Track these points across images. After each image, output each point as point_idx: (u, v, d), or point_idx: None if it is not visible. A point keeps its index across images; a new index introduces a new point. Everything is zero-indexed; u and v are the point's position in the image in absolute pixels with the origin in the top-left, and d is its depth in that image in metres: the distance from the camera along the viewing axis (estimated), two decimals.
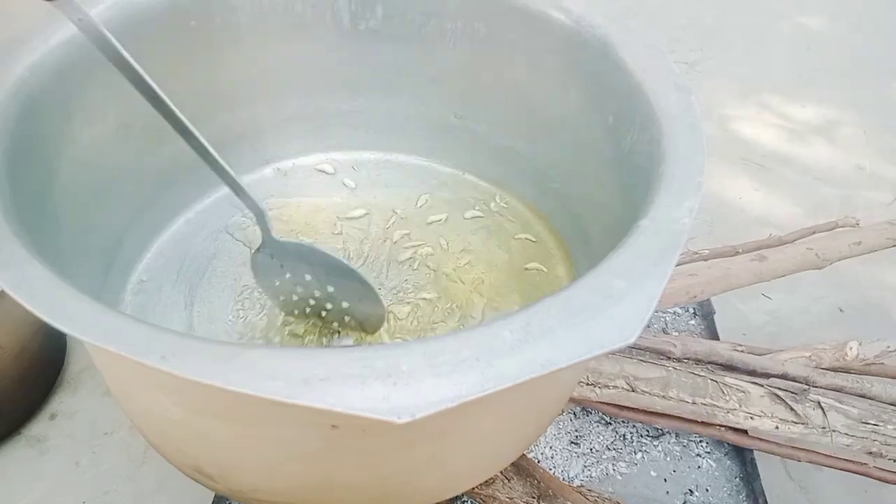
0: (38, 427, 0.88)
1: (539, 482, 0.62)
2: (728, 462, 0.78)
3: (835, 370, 0.79)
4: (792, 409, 0.71)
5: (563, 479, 0.75)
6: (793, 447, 0.74)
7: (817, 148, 1.41)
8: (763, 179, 1.32)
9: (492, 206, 0.74)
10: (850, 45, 1.73)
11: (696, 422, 0.74)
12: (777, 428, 0.71)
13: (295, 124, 0.75)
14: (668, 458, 0.78)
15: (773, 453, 0.75)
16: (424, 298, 0.64)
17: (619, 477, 0.76)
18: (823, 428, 0.71)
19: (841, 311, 1.08)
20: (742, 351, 0.80)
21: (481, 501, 0.64)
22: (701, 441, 0.79)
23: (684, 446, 0.79)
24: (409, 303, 0.63)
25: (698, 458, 0.78)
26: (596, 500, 0.62)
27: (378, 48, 0.70)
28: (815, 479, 0.86)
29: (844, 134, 1.46)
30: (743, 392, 0.72)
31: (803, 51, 1.71)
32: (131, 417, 0.49)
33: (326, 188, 0.75)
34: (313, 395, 0.29)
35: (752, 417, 0.72)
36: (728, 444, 0.79)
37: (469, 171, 0.77)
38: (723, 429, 0.74)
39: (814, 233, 0.93)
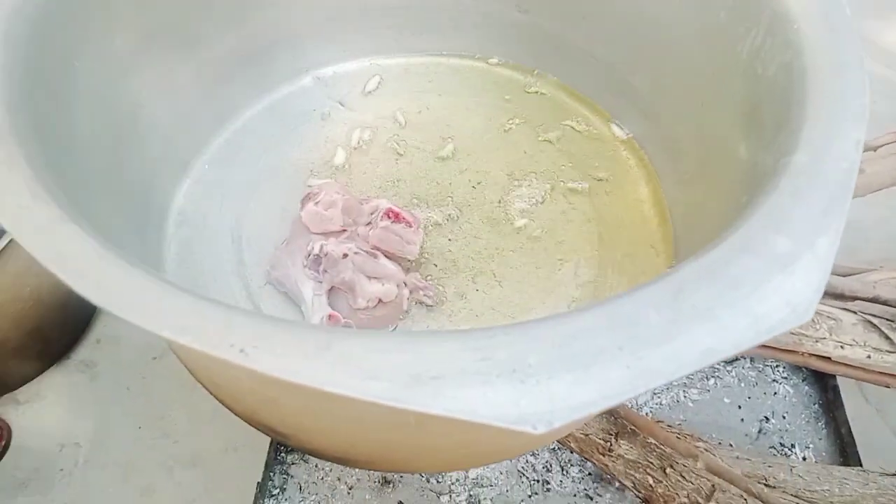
0: (86, 351, 0.87)
1: (616, 419, 0.59)
2: (806, 388, 0.74)
3: None
4: (888, 337, 0.66)
5: (632, 407, 0.71)
6: (881, 373, 0.69)
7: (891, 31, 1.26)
8: None
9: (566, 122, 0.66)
10: None
11: (778, 349, 0.69)
12: (869, 357, 0.66)
13: (334, 25, 0.65)
14: (743, 384, 0.74)
15: (860, 380, 0.70)
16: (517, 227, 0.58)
17: (690, 404, 0.72)
18: None
19: None
20: None
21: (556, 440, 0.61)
22: (778, 366, 0.75)
23: (760, 371, 0.75)
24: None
25: (774, 383, 0.74)
26: (679, 438, 0.59)
27: None
28: (894, 401, 0.82)
29: None
30: (834, 319, 0.66)
31: None
32: (195, 376, 0.45)
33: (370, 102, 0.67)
34: (426, 397, 0.23)
35: (842, 346, 0.66)
36: (806, 369, 0.74)
37: (536, 78, 0.68)
38: (807, 355, 0.69)
39: None
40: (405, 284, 0.51)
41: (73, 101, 0.42)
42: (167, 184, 0.57)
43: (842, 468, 0.61)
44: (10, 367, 0.78)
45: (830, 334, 0.66)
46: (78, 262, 0.26)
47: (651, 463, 0.56)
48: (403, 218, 0.52)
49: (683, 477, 0.55)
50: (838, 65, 0.36)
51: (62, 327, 0.83)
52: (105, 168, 0.46)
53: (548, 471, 0.66)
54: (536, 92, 0.67)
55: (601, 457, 0.58)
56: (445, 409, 0.23)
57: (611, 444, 0.57)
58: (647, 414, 0.71)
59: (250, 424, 0.45)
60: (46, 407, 0.82)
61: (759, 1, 0.43)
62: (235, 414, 0.45)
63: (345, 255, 0.49)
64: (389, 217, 0.52)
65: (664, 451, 0.57)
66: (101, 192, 0.45)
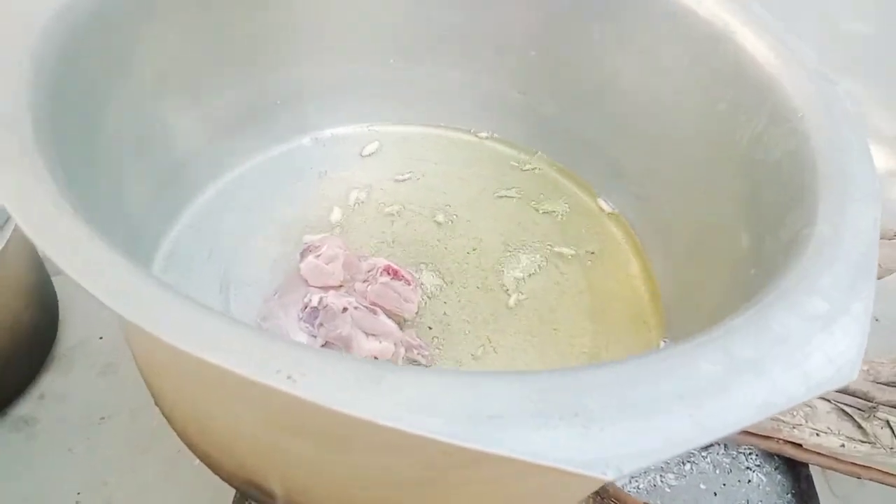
0: (27, 407, 0.79)
1: (603, 498, 0.57)
2: (779, 477, 0.74)
3: (893, 385, 0.75)
4: (860, 426, 0.67)
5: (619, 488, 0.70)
6: (852, 463, 0.70)
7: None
8: None
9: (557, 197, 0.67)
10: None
11: (754, 434, 0.69)
12: (843, 446, 0.67)
13: (336, 91, 0.67)
14: (718, 471, 0.73)
15: (832, 469, 0.71)
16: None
17: (667, 489, 0.71)
18: (891, 448, 0.67)
19: (876, 320, 1.05)
20: None
21: None
22: (751, 454, 0.75)
23: (733, 458, 0.75)
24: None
25: (748, 471, 0.74)
26: None
27: (438, 13, 0.63)
28: (860, 494, 0.83)
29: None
30: (809, 407, 0.68)
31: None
32: (168, 413, 0.42)
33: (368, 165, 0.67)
34: (488, 437, 0.22)
35: (817, 434, 0.67)
36: (779, 457, 0.75)
37: (528, 155, 0.70)
38: (781, 442, 0.70)
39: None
40: (401, 342, 0.50)
41: (91, 130, 0.41)
42: (157, 226, 0.55)
43: None
44: None
45: (806, 421, 0.67)
46: (110, 279, 0.24)
47: None
48: (402, 276, 0.52)
49: None
50: (847, 150, 0.38)
51: (6, 379, 0.76)
52: (105, 200, 0.45)
53: None
54: (530, 167, 0.69)
55: None
56: (510, 450, 0.22)
57: None
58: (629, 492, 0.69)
59: (229, 480, 0.42)
60: None
61: (760, 93, 0.46)
62: (213, 466, 0.42)
63: (345, 309, 0.47)
64: (388, 273, 0.51)
65: None
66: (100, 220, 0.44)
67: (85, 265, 0.25)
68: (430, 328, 0.54)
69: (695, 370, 0.25)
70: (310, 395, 0.22)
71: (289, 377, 0.23)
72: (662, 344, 0.55)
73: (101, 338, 0.86)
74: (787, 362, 0.26)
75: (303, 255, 0.52)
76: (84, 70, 0.40)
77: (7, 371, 0.75)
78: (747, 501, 0.72)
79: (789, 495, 0.72)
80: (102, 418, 0.78)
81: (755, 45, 0.47)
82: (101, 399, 0.79)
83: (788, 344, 0.27)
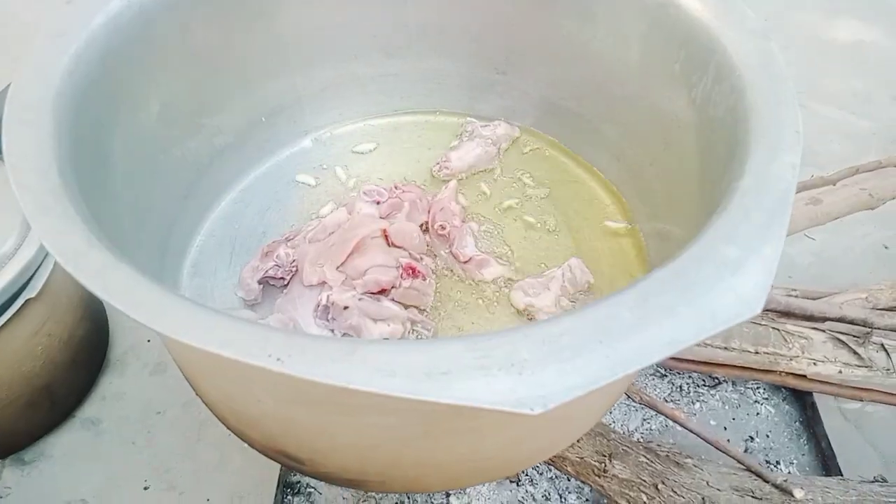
0: (92, 409, 0.89)
1: (609, 441, 0.62)
2: (787, 407, 0.78)
3: (892, 310, 0.78)
4: (855, 352, 0.70)
5: (624, 434, 0.75)
6: (854, 388, 0.74)
7: (851, 78, 1.36)
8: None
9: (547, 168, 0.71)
10: None
11: (756, 369, 0.73)
12: (840, 372, 0.71)
13: (331, 93, 0.72)
14: (727, 407, 0.78)
15: (834, 395, 0.75)
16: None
17: (679, 428, 0.76)
18: (888, 370, 0.70)
19: (885, 248, 1.06)
20: (797, 296, 0.78)
21: (550, 462, 0.64)
22: (759, 387, 0.79)
23: (742, 394, 0.79)
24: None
25: (756, 404, 0.78)
26: (667, 454, 0.62)
27: (414, 8, 0.67)
28: (870, 417, 0.86)
29: (877, 58, 1.40)
30: (805, 338, 0.71)
31: None
32: (208, 403, 0.49)
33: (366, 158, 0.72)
34: (438, 389, 0.28)
35: (815, 363, 0.71)
36: (786, 388, 0.79)
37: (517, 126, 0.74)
38: (783, 374, 0.74)
39: (857, 172, 0.90)
40: (407, 320, 0.56)
41: (108, 166, 0.47)
42: (181, 239, 0.61)
43: (823, 478, 0.64)
44: (19, 426, 0.81)
45: (803, 352, 0.71)
46: (133, 296, 0.31)
47: (644, 481, 0.60)
48: (419, 272, 0.57)
49: (675, 492, 0.59)
50: (775, 103, 0.42)
51: (70, 385, 0.85)
52: (130, 224, 0.51)
53: (547, 499, 0.69)
54: (519, 142, 0.73)
55: (597, 478, 0.61)
56: (454, 398, 0.27)
57: (605, 465, 0.61)
58: (638, 439, 0.74)
59: (266, 453, 0.48)
60: (52, 466, 0.83)
61: (705, 53, 0.49)
62: (251, 444, 0.48)
63: (346, 307, 0.53)
64: (409, 274, 0.56)
65: (655, 468, 0.60)
66: (127, 245, 0.50)
67: (113, 288, 0.31)
68: (433, 300, 0.59)
69: (615, 318, 0.30)
70: (295, 371, 0.28)
71: (278, 359, 0.28)
72: None
73: (148, 341, 0.94)
74: (696, 305, 0.31)
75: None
76: (96, 115, 0.46)
77: (70, 378, 0.84)
78: (756, 432, 0.76)
79: (797, 423, 0.76)
80: (158, 412, 0.87)
81: (699, 7, 0.51)
82: (155, 396, 0.88)
83: (699, 287, 0.31)
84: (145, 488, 0.80)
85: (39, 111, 0.41)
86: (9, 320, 0.70)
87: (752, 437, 0.75)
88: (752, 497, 0.61)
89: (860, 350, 0.70)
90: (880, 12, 1.51)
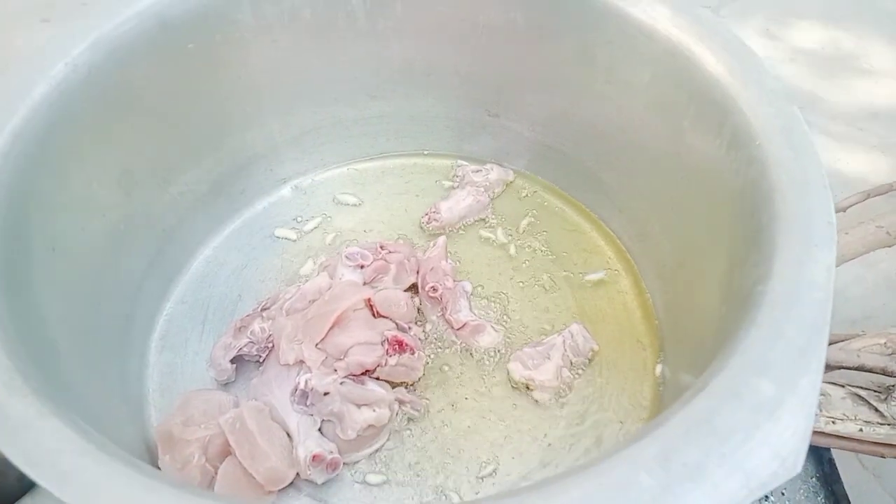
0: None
1: None
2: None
3: None
4: (876, 409, 0.66)
5: None
6: (874, 443, 0.69)
7: (859, 91, 1.32)
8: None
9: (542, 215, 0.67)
10: None
11: None
12: (861, 430, 0.66)
13: (311, 137, 0.67)
14: None
15: (854, 451, 0.70)
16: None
17: None
18: None
19: None
20: None
21: None
22: None
23: None
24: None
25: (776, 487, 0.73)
26: None
27: (398, 48, 0.62)
28: (891, 466, 0.82)
29: (886, 71, 1.36)
30: (823, 395, 0.66)
31: None
32: None
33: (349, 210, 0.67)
34: None
35: (833, 422, 0.66)
36: None
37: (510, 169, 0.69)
38: None
39: (868, 196, 0.86)
40: (394, 404, 0.51)
41: (56, 245, 0.42)
42: (149, 308, 0.56)
43: None
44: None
45: (821, 410, 0.66)
46: (57, 464, 0.26)
47: None
48: (407, 345, 0.52)
49: None
50: (802, 183, 0.37)
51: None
52: (84, 304, 0.46)
53: None
54: (513, 187, 0.68)
55: None
56: None
57: None
58: None
59: None
60: None
61: (719, 113, 0.45)
62: None
63: (326, 393, 0.48)
64: (395, 349, 0.51)
65: None
66: (80, 331, 0.45)
67: (33, 454, 0.26)
68: (423, 374, 0.55)
69: (632, 485, 0.25)
70: None
71: None
72: (658, 368, 0.54)
73: None
74: (728, 464, 0.26)
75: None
76: (39, 193, 0.41)
77: None
78: (771, 490, 0.71)
79: (813, 479, 0.72)
80: None
81: (711, 62, 0.46)
82: None
83: (731, 441, 0.26)
84: None
85: None
86: None
87: (766, 496, 0.70)
88: None
89: (881, 407, 0.65)
90: (884, 23, 1.46)
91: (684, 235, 0.52)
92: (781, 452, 0.26)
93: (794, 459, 0.26)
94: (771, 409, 0.27)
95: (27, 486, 0.78)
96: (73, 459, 0.26)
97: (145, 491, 0.25)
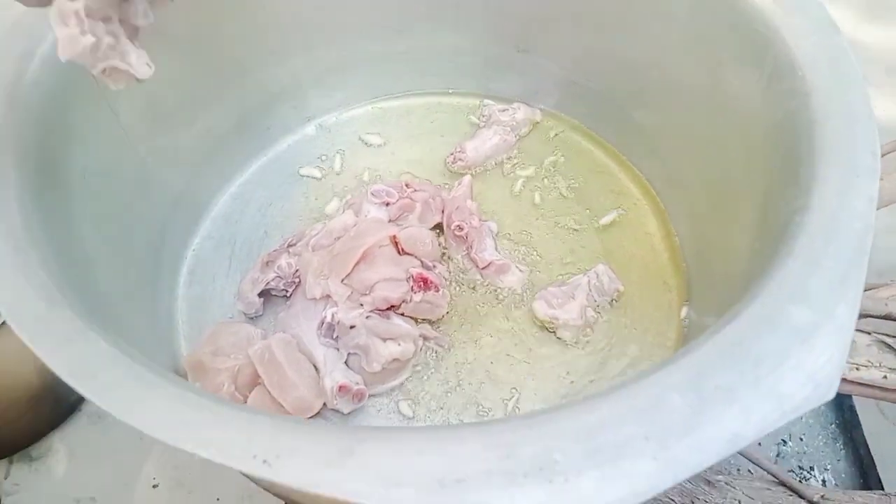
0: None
1: None
2: (822, 408, 0.73)
3: None
4: None
5: None
6: None
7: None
8: None
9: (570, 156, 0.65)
10: None
11: None
12: (885, 377, 0.66)
13: (336, 74, 0.66)
14: None
15: (876, 398, 0.70)
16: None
17: None
18: None
19: None
20: None
21: None
22: None
23: None
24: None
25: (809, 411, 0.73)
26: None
27: None
28: None
29: None
30: None
31: None
32: None
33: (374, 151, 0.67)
34: (457, 502, 0.23)
35: (857, 368, 0.66)
36: None
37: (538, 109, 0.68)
38: None
39: None
40: (419, 339, 0.51)
41: (82, 178, 0.42)
42: (177, 243, 0.57)
43: (863, 493, 0.60)
44: (25, 423, 0.78)
45: None
46: (100, 376, 0.26)
47: (673, 500, 0.56)
48: (432, 283, 0.52)
49: None
50: (846, 115, 0.36)
51: None
52: (115, 234, 0.47)
53: None
54: (540, 127, 0.67)
55: None
56: None
57: None
58: None
59: None
60: (60, 461, 0.82)
61: (761, 44, 0.43)
62: None
63: (352, 327, 0.49)
64: (420, 286, 0.51)
65: (685, 487, 0.57)
66: (112, 259, 0.46)
67: (77, 368, 0.27)
68: (448, 312, 0.55)
69: (663, 405, 0.25)
70: (283, 477, 0.24)
71: (265, 461, 0.24)
72: (684, 311, 0.54)
73: None
74: (761, 387, 0.26)
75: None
76: (67, 122, 0.41)
77: None
78: (790, 435, 0.72)
79: (833, 426, 0.72)
80: None
81: None
82: None
83: (764, 365, 0.26)
84: (154, 486, 0.79)
85: None
86: (4, 322, 0.67)
87: (784, 441, 0.71)
88: None
89: None
90: None
91: (718, 175, 0.51)
92: (816, 377, 0.26)
93: (829, 385, 0.26)
94: (806, 336, 0.27)
95: (56, 421, 0.81)
96: (113, 372, 0.27)
97: (183, 403, 0.26)
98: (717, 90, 0.49)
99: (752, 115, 0.44)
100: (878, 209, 0.75)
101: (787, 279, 0.29)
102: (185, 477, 0.79)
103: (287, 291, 0.54)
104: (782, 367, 0.26)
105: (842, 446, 0.71)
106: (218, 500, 0.78)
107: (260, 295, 0.54)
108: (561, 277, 0.56)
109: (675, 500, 0.56)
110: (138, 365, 0.27)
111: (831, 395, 0.25)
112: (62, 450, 0.81)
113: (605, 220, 0.60)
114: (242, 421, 0.25)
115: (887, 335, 0.66)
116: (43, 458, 0.81)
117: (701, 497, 0.56)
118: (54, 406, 0.81)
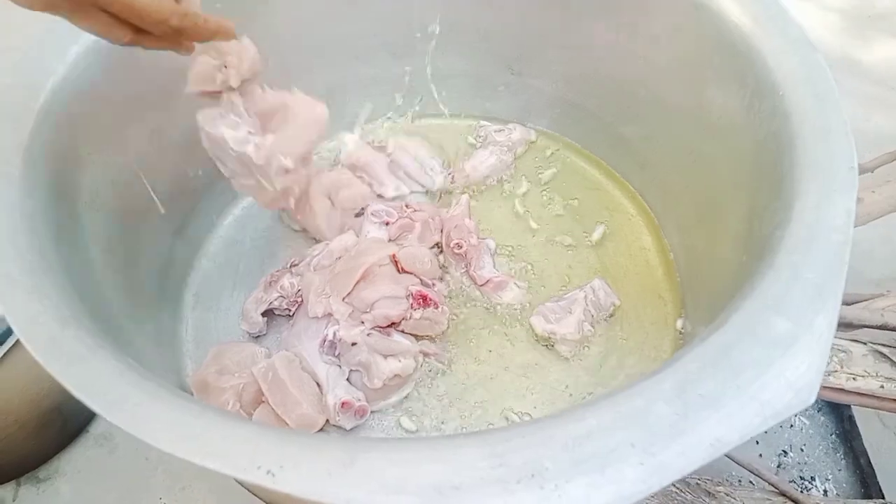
0: (104, 425, 0.87)
1: None
2: (822, 419, 0.74)
3: None
4: None
5: None
6: (895, 400, 0.70)
7: (890, 52, 1.28)
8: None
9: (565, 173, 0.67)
10: None
11: None
12: (882, 387, 0.67)
13: (335, 96, 0.66)
14: None
15: (874, 408, 0.70)
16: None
17: None
18: None
19: None
20: None
21: None
22: None
23: None
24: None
25: (791, 416, 0.74)
26: (698, 483, 0.59)
27: (419, 4, 0.62)
28: None
29: None
30: (844, 352, 0.67)
31: None
32: None
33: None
34: None
35: (854, 378, 0.67)
36: (821, 399, 0.75)
37: (532, 129, 0.70)
38: (821, 388, 0.69)
39: None
40: (419, 355, 0.52)
41: (91, 205, 0.44)
42: (182, 266, 0.59)
43: (864, 501, 0.61)
44: (31, 446, 0.79)
45: (841, 367, 0.66)
46: (110, 393, 0.27)
47: None
48: (431, 300, 0.53)
49: None
50: (824, 131, 0.37)
51: (80, 403, 0.84)
52: (123, 258, 0.48)
53: None
54: (535, 146, 0.69)
55: None
56: None
57: None
58: None
59: None
60: (67, 482, 0.82)
61: (743, 63, 0.45)
62: None
63: (353, 344, 0.50)
64: (420, 304, 0.53)
65: (685, 498, 0.57)
66: (120, 283, 0.47)
67: (87, 384, 0.28)
68: (448, 328, 0.56)
69: (649, 413, 0.26)
70: (287, 487, 0.25)
71: (269, 472, 0.25)
72: (679, 322, 0.55)
73: None
74: (743, 395, 0.27)
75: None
76: (76, 153, 0.43)
77: None
78: (790, 446, 0.72)
79: (833, 436, 0.73)
80: None
81: (735, 12, 0.46)
82: None
83: (746, 374, 0.27)
84: None
85: (9, 158, 0.37)
86: (14, 346, 0.68)
87: (785, 452, 0.71)
88: None
89: None
90: None
91: (706, 189, 0.52)
92: (795, 385, 0.27)
93: (808, 391, 0.27)
94: (786, 345, 0.28)
95: (63, 443, 0.83)
96: (122, 388, 0.28)
97: (190, 417, 0.27)
98: (703, 108, 0.50)
99: (736, 132, 0.46)
100: (869, 221, 0.76)
101: (769, 291, 0.31)
102: (190, 497, 0.80)
103: (290, 311, 0.56)
104: (764, 376, 0.27)
105: (842, 456, 0.71)
106: None
107: (263, 315, 0.55)
108: (558, 293, 0.58)
109: None
110: (146, 381, 0.28)
111: (811, 401, 0.26)
112: (69, 471, 0.82)
113: (595, 236, 0.61)
114: (247, 433, 0.26)
115: (884, 345, 0.67)
116: (50, 480, 0.81)
117: None
118: (61, 429, 0.82)
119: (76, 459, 0.83)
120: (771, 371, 0.27)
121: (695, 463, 0.25)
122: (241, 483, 0.45)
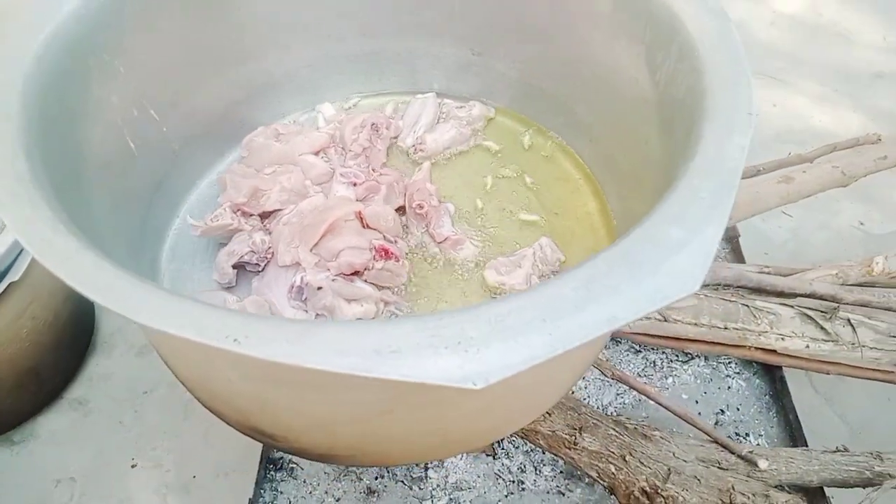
0: (79, 390, 0.90)
1: (580, 414, 0.64)
2: (757, 381, 0.80)
3: (861, 286, 0.80)
4: (822, 327, 0.72)
5: (597, 408, 0.77)
6: (821, 361, 0.76)
7: (834, 50, 1.36)
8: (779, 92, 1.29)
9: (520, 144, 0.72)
10: None
11: (726, 345, 0.75)
12: (808, 347, 0.73)
13: (306, 73, 0.72)
14: (698, 381, 0.80)
15: (802, 369, 0.77)
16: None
17: (651, 402, 0.78)
18: (853, 344, 0.72)
19: (861, 224, 1.08)
20: (769, 273, 0.80)
21: (523, 436, 0.66)
22: (730, 362, 0.81)
23: (714, 368, 0.81)
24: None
25: (728, 378, 0.80)
26: (636, 427, 0.64)
27: None
28: (840, 390, 0.89)
29: (863, 36, 1.41)
30: (773, 314, 0.73)
31: None
32: (186, 384, 0.50)
33: None
34: (388, 367, 0.29)
35: (783, 338, 0.73)
36: (756, 363, 0.81)
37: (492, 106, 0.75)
38: (752, 349, 0.75)
39: (835, 149, 0.92)
40: (380, 301, 0.57)
41: (79, 153, 0.48)
42: (160, 221, 0.62)
43: (788, 449, 0.67)
44: (6, 407, 0.82)
45: (771, 328, 0.73)
46: (98, 281, 0.32)
47: (612, 452, 0.62)
48: (392, 254, 0.58)
49: (642, 463, 0.61)
50: (731, 84, 0.43)
51: (56, 366, 0.86)
52: (102, 210, 0.52)
53: (522, 471, 0.71)
54: (494, 123, 0.74)
55: (568, 451, 0.63)
56: (403, 375, 0.29)
57: (575, 438, 0.62)
58: (612, 412, 0.76)
59: (243, 431, 0.50)
60: (41, 445, 0.85)
61: (669, 33, 0.50)
62: (228, 422, 0.50)
63: (319, 288, 0.54)
64: (381, 256, 0.57)
65: (624, 440, 0.62)
66: (100, 231, 0.51)
67: (76, 272, 0.32)
68: (408, 282, 0.61)
69: (558, 297, 0.31)
70: (252, 351, 0.29)
71: (235, 340, 0.30)
72: None
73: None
74: (638, 284, 0.32)
75: None
76: (65, 102, 0.47)
77: (56, 359, 0.85)
78: (727, 406, 0.78)
79: (766, 396, 0.78)
80: (145, 392, 0.89)
81: None
82: (141, 376, 0.90)
83: (643, 267, 0.32)
84: (132, 466, 0.82)
85: (7, 98, 0.41)
86: None
87: (722, 411, 0.77)
88: (718, 468, 0.63)
89: (827, 325, 0.72)
90: None
91: (641, 158, 0.57)
92: (683, 276, 0.32)
93: (694, 282, 0.32)
94: (679, 248, 0.33)
95: (38, 406, 0.85)
96: (109, 278, 0.32)
97: (167, 299, 0.31)
98: (638, 82, 0.56)
99: (665, 96, 0.51)
100: (799, 199, 0.82)
101: (669, 208, 0.36)
102: (162, 457, 0.83)
103: (260, 266, 0.60)
104: (657, 271, 0.32)
105: (774, 415, 0.77)
106: (194, 477, 0.82)
107: (234, 267, 0.59)
108: (510, 249, 0.63)
109: (614, 451, 0.62)
110: (130, 275, 0.33)
111: (696, 288, 0.32)
112: (43, 434, 0.85)
113: (527, 217, 0.66)
114: (219, 313, 0.31)
115: (809, 308, 0.74)
116: (24, 442, 0.84)
117: (638, 449, 0.62)
118: (37, 391, 0.85)
119: (51, 423, 0.86)
120: (664, 266, 0.32)
121: (593, 332, 0.30)
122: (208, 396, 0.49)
